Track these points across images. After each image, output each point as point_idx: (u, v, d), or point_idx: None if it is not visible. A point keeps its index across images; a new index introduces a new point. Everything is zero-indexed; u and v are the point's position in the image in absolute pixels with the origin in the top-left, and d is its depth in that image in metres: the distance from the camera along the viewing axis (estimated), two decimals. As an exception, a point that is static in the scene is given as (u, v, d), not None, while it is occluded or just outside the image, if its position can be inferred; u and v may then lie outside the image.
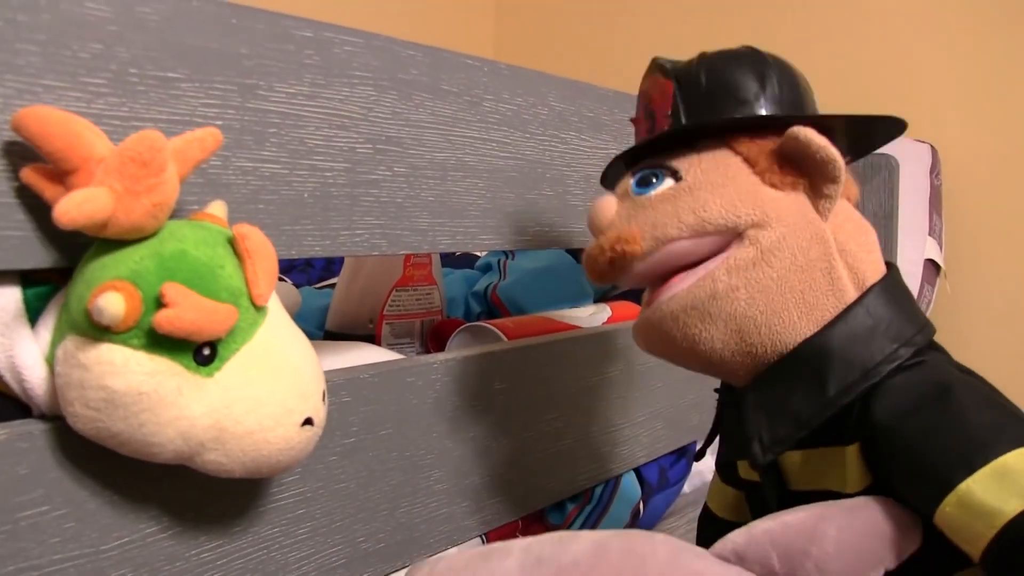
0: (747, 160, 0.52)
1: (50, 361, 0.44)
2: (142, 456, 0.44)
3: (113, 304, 0.40)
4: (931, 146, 1.73)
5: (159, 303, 0.41)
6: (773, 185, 0.51)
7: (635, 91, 0.60)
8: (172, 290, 0.41)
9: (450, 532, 0.69)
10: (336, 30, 0.59)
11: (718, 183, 0.51)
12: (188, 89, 0.51)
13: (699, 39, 0.60)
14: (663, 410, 0.95)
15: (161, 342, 0.42)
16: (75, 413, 0.43)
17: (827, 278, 0.50)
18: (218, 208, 0.50)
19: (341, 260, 1.37)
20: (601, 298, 1.18)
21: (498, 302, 1.07)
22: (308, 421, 0.47)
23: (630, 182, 0.55)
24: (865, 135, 0.57)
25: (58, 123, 0.42)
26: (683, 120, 0.54)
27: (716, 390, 0.60)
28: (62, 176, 0.43)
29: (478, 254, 1.29)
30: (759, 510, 0.60)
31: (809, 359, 0.50)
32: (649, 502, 0.94)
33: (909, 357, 0.49)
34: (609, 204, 0.55)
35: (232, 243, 0.46)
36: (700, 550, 0.44)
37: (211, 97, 0.52)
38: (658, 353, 0.56)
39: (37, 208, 0.44)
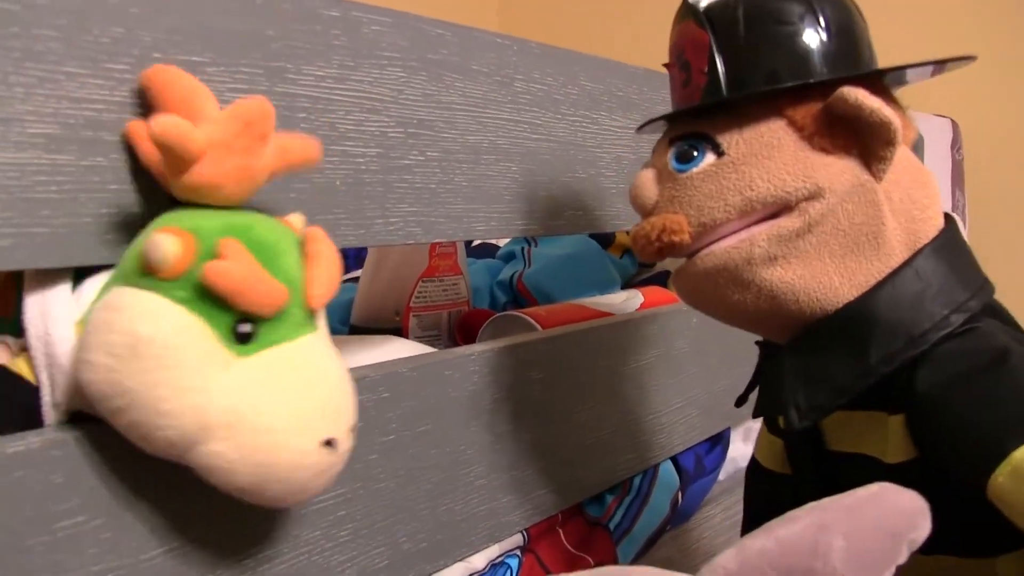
0: (793, 124, 0.48)
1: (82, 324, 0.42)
2: (145, 429, 0.40)
3: (168, 243, 0.39)
4: (952, 121, 1.71)
5: (214, 257, 0.40)
6: (823, 150, 0.48)
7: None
8: (230, 245, 0.40)
9: (491, 529, 0.67)
10: (363, 9, 0.56)
11: (763, 155, 0.48)
12: (214, 73, 0.48)
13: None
14: (698, 397, 0.93)
15: (204, 301, 0.40)
16: (91, 361, 0.40)
17: (872, 242, 0.48)
18: (297, 219, 0.47)
19: (355, 254, 1.35)
20: (629, 283, 1.15)
21: (524, 290, 1.05)
22: (331, 442, 0.43)
23: (669, 156, 0.52)
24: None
25: (184, 79, 0.44)
26: (720, 76, 0.50)
27: (757, 343, 0.58)
28: None
29: (498, 244, 1.27)
30: (796, 464, 0.58)
31: (850, 324, 0.48)
32: (687, 491, 0.92)
33: (960, 324, 0.47)
34: (649, 183, 0.52)
35: (301, 246, 0.44)
36: None
37: (238, 81, 0.49)
38: (694, 306, 0.55)
39: (62, 203, 0.42)
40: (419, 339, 0.90)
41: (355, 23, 0.55)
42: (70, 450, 0.42)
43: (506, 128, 0.67)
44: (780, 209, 0.48)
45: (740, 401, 0.60)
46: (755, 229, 0.49)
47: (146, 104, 0.45)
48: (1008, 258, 1.75)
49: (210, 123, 0.41)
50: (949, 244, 0.50)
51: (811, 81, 0.48)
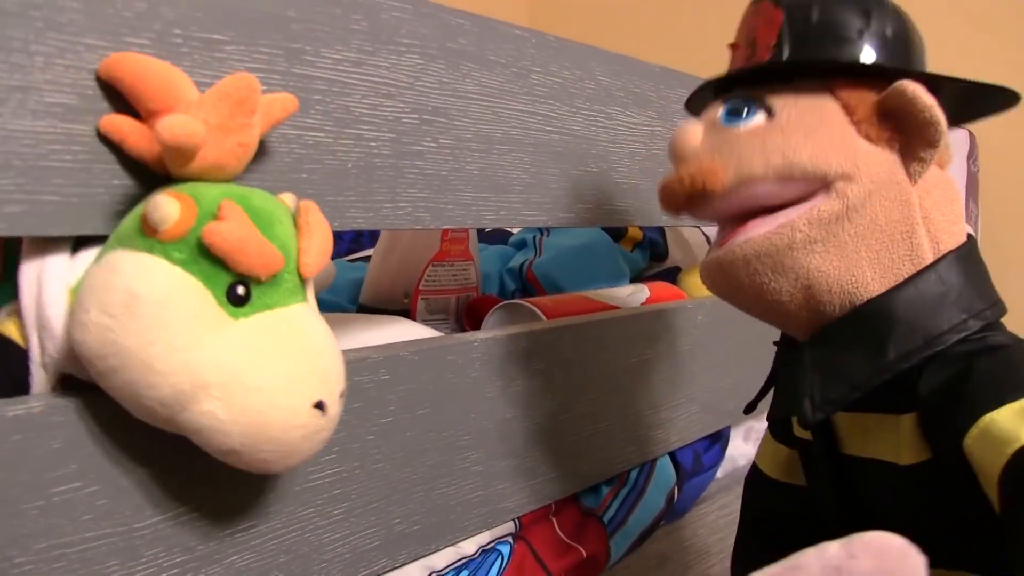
0: (846, 107, 0.49)
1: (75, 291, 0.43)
2: (138, 388, 0.40)
3: (170, 204, 0.40)
4: (969, 132, 1.69)
5: (214, 219, 0.40)
6: (868, 137, 0.49)
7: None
8: (230, 207, 0.40)
9: (486, 515, 0.67)
10: (385, -6, 0.56)
11: (812, 127, 0.49)
12: (232, 52, 0.49)
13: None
14: (699, 394, 0.93)
15: (201, 262, 0.40)
16: (86, 321, 0.40)
17: (907, 243, 0.48)
18: (289, 198, 0.48)
19: (369, 234, 1.36)
20: (637, 278, 1.16)
21: (533, 279, 1.05)
22: (320, 405, 0.43)
23: (719, 111, 0.52)
24: (971, 103, 0.53)
25: (157, 65, 0.43)
26: (786, 54, 0.51)
27: (775, 343, 0.58)
28: (150, 119, 0.42)
29: (512, 231, 1.27)
30: (811, 470, 0.59)
31: (872, 320, 0.48)
32: (683, 487, 0.92)
33: (977, 330, 0.47)
34: (694, 131, 0.53)
35: (294, 217, 0.45)
36: None
37: (256, 61, 0.50)
38: (723, 296, 0.55)
39: (75, 173, 0.42)
40: (426, 322, 0.91)
41: (375, 8, 0.56)
42: (70, 416, 0.43)
43: (520, 119, 0.68)
44: (815, 188, 0.49)
45: (749, 408, 0.60)
46: (792, 213, 0.49)
47: (117, 95, 0.44)
48: (1020, 272, 1.74)
49: (203, 107, 0.42)
50: (970, 257, 0.50)
51: (870, 64, 0.50)
